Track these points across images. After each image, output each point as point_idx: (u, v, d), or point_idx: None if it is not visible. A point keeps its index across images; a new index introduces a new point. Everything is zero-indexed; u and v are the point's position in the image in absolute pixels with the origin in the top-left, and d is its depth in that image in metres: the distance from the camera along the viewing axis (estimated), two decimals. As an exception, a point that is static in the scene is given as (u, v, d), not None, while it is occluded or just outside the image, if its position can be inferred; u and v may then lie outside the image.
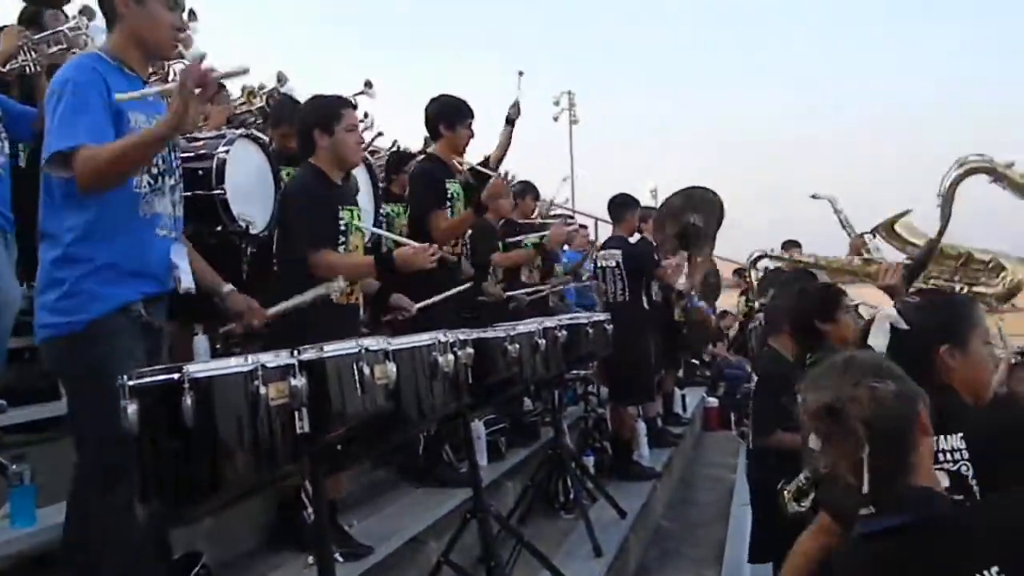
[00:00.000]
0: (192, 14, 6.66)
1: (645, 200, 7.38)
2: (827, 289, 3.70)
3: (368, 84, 8.13)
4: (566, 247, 8.63)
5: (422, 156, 5.36)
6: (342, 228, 3.66)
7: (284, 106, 5.17)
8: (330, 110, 3.73)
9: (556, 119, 32.23)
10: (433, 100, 4.96)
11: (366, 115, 9.11)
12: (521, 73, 6.52)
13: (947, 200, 2.82)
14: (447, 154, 4.78)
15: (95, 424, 2.39)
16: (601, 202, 6.99)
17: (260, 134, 4.97)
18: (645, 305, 6.54)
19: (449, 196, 4.68)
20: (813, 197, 4.80)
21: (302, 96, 6.90)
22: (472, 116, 4.94)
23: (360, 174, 5.68)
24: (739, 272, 12.90)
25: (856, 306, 3.58)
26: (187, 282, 2.67)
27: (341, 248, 3.67)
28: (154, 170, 2.72)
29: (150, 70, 5.24)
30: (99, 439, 2.36)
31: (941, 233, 2.96)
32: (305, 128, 3.75)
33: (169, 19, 2.71)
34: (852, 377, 1.71)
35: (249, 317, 3.06)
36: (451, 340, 3.04)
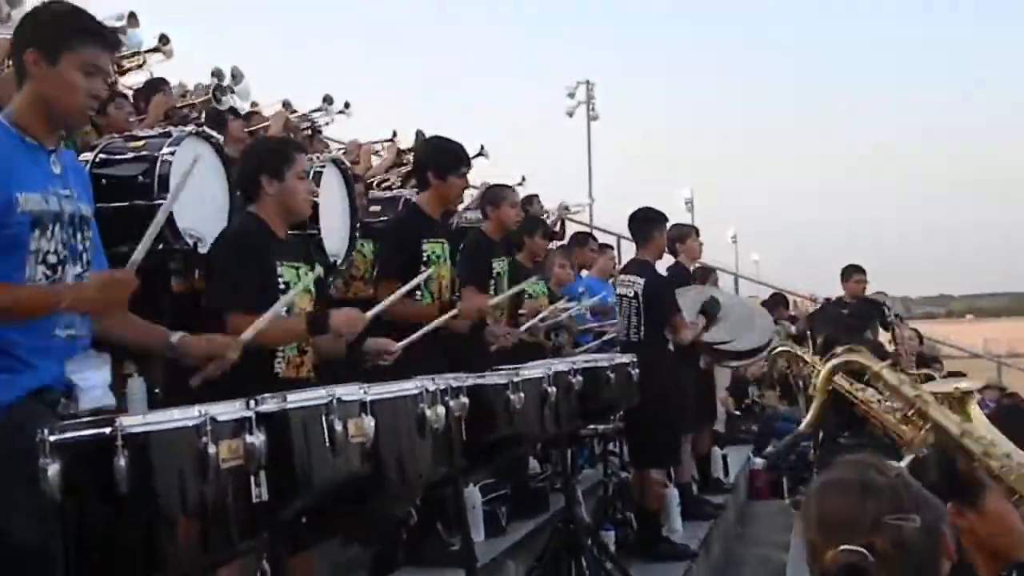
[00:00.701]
0: (164, 38, 6.83)
1: (677, 214, 7.44)
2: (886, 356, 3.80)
3: (482, 148, 9.21)
4: (584, 272, 8.69)
5: (403, 200, 5.51)
6: (281, 288, 3.71)
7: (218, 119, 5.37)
8: (281, 153, 3.86)
9: (571, 114, 32.54)
10: (424, 142, 5.10)
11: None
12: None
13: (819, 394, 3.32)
14: (433, 206, 4.88)
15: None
16: (624, 214, 7.04)
17: (213, 132, 5.08)
18: (669, 347, 6.55)
19: (427, 259, 4.75)
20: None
21: (263, 103, 6.99)
22: (469, 165, 5.05)
23: (334, 186, 5.78)
24: (779, 299, 12.96)
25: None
26: (91, 401, 2.65)
27: (284, 312, 3.69)
28: (52, 258, 2.71)
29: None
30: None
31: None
32: (250, 171, 3.84)
33: (85, 86, 2.74)
34: (872, 510, 1.79)
35: (218, 351, 3.11)
36: (441, 388, 3.05)
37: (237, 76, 7.45)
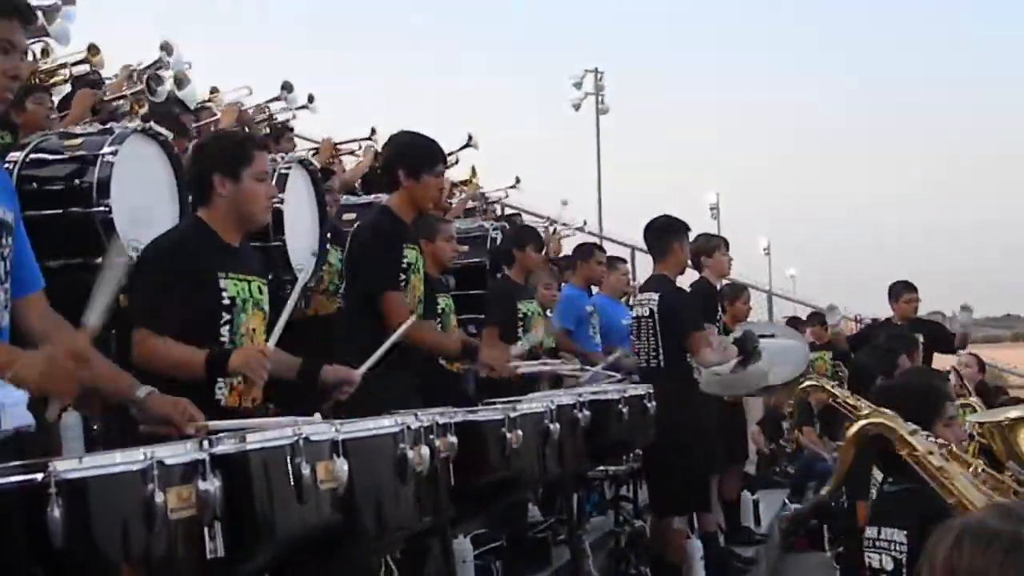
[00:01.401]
0: (93, 48, 6.85)
1: (701, 222, 7.44)
2: (931, 391, 3.86)
3: (470, 139, 9.67)
4: (594, 289, 8.72)
5: (378, 206, 5.59)
6: (225, 303, 3.72)
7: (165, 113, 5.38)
8: (238, 150, 3.86)
9: (577, 107, 32.70)
10: (392, 139, 5.20)
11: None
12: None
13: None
14: (405, 209, 4.97)
15: None
16: (638, 222, 7.10)
17: (160, 128, 5.09)
18: (695, 375, 6.56)
19: (406, 265, 4.83)
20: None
21: (199, 85, 7.02)
22: (444, 161, 5.15)
23: (301, 190, 5.80)
24: (818, 318, 12.95)
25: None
26: (16, 419, 2.64)
27: (225, 330, 3.73)
28: None
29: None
30: None
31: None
32: (201, 170, 3.85)
33: None
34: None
35: (179, 421, 3.12)
36: (425, 425, 3.06)
37: (167, 49, 7.32)
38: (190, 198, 4.47)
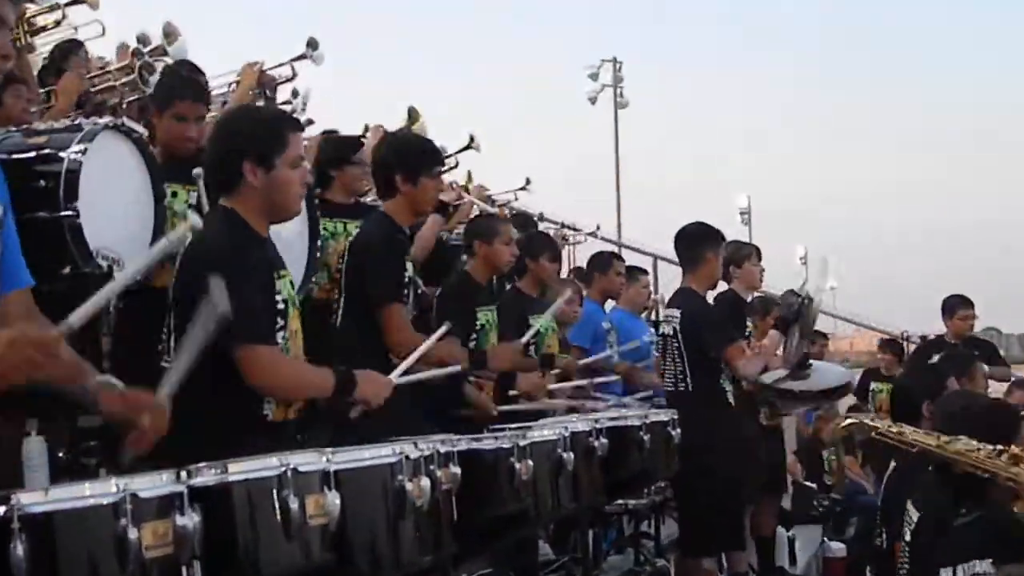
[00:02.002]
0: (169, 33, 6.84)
1: (730, 229, 7.46)
2: (1006, 414, 3.88)
3: (472, 140, 9.44)
4: (610, 303, 8.72)
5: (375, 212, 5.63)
6: (280, 306, 3.77)
7: (176, 83, 5.29)
8: (271, 134, 3.82)
9: (594, 100, 32.75)
10: (386, 140, 5.33)
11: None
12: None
13: None
14: (404, 216, 5.08)
15: None
16: (660, 228, 7.10)
17: (135, 125, 5.10)
18: (728, 398, 6.56)
19: (406, 280, 4.95)
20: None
21: (208, 69, 7.00)
22: (442, 162, 5.36)
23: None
24: (893, 345, 12.91)
25: None
26: None
27: (280, 336, 3.75)
28: None
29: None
30: None
31: None
32: (229, 155, 3.83)
33: None
34: None
35: (130, 416, 3.05)
36: (426, 455, 3.08)
37: (171, 35, 7.24)
38: (207, 182, 4.44)
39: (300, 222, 5.79)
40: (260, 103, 7.68)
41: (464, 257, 6.45)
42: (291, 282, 3.94)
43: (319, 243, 5.87)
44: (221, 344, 3.45)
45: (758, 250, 8.17)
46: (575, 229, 12.19)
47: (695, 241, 6.73)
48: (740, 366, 6.40)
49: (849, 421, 5.05)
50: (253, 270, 3.68)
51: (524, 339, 5.79)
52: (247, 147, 3.77)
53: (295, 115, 6.62)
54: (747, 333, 7.66)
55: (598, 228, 13.40)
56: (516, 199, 11.61)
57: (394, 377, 4.19)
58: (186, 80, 5.34)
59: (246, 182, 3.75)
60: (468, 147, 10.02)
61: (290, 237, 5.65)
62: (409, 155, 5.08)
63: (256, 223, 3.80)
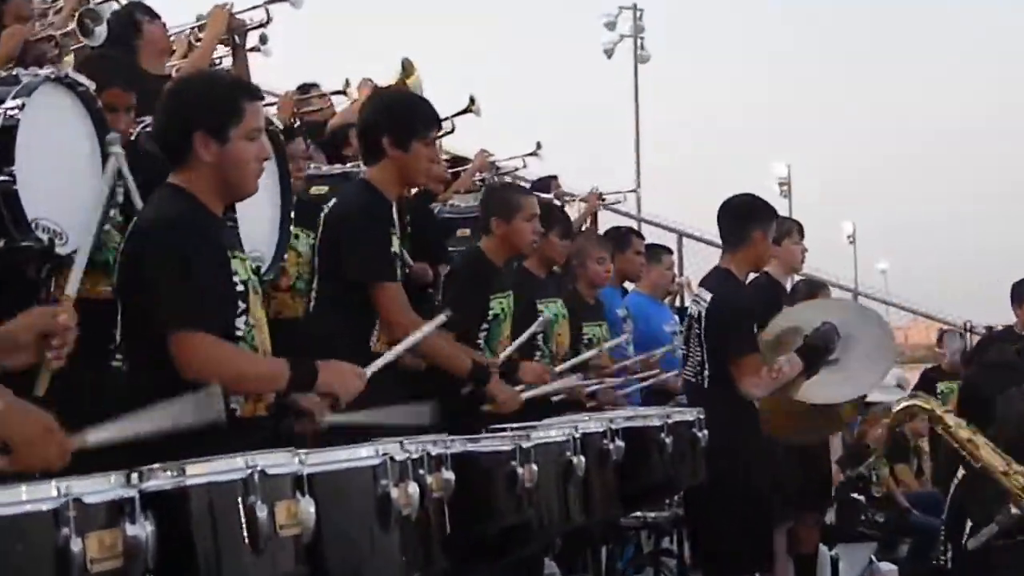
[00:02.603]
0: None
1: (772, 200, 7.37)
2: None
3: (472, 102, 9.49)
4: (629, 286, 8.72)
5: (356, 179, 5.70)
6: (239, 289, 3.80)
7: (105, 67, 5.33)
8: (224, 103, 3.87)
9: (610, 53, 32.71)
10: (373, 100, 5.36)
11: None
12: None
13: None
14: (390, 184, 5.09)
15: None
16: (686, 200, 7.07)
17: (80, 77, 5.10)
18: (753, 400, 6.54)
19: (393, 253, 4.96)
20: None
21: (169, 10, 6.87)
22: (438, 125, 5.34)
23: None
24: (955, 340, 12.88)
25: None
26: None
27: (241, 322, 3.79)
28: None
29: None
30: None
31: None
32: (179, 125, 3.87)
33: None
34: None
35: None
36: (414, 457, 3.08)
37: None
38: (159, 150, 4.45)
39: (270, 195, 5.82)
40: (222, 57, 7.73)
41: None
42: (253, 266, 3.97)
43: (291, 220, 5.90)
44: (155, 329, 3.60)
45: (799, 226, 8.16)
46: (612, 195, 12.08)
47: (742, 216, 6.65)
48: (746, 383, 6.36)
49: (908, 404, 4.98)
50: (199, 249, 3.72)
51: (506, 353, 5.77)
52: (198, 117, 3.82)
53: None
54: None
55: (624, 199, 13.30)
56: (525, 165, 11.58)
57: (370, 370, 4.19)
58: (115, 63, 5.37)
59: (197, 156, 3.80)
60: (467, 110, 10.01)
61: (258, 214, 5.69)
62: (400, 115, 5.06)
63: (209, 201, 3.85)
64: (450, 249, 7.71)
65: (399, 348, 4.42)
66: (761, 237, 6.56)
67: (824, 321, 6.62)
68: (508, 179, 11.25)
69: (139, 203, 4.63)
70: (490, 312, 6.03)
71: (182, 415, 2.87)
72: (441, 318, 4.72)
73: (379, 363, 4.32)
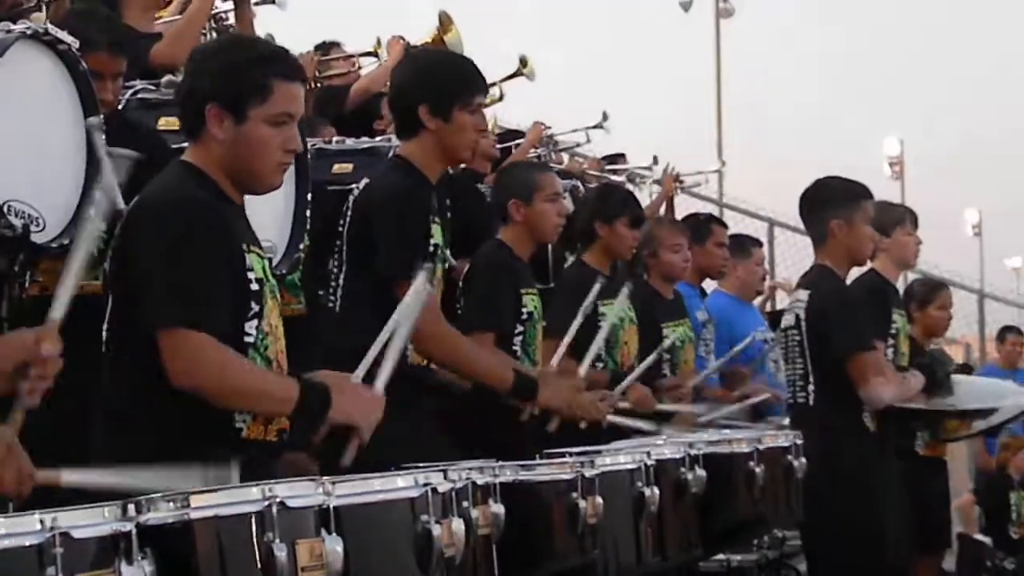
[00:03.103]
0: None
1: (877, 185, 7.35)
2: None
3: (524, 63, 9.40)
4: (711, 285, 8.70)
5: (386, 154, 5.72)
6: (254, 288, 3.80)
7: (87, 27, 5.35)
8: (247, 74, 3.87)
9: (687, 6, 32.63)
10: (408, 63, 5.45)
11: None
12: None
13: None
14: (430, 161, 5.09)
15: None
16: (778, 183, 7.03)
17: (61, 33, 5.12)
18: (866, 416, 6.51)
19: (432, 248, 4.94)
20: None
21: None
22: (484, 90, 5.33)
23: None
24: None
25: None
26: None
27: (252, 327, 3.80)
28: None
29: None
30: None
31: None
32: (194, 93, 3.91)
33: None
34: None
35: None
36: (459, 487, 3.09)
37: None
38: (178, 130, 4.43)
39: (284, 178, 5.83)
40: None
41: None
42: (267, 263, 3.97)
43: (308, 203, 5.90)
44: (143, 323, 3.62)
45: (912, 214, 8.08)
46: (692, 176, 12.09)
47: (814, 204, 6.71)
48: (870, 385, 6.32)
49: None
50: (207, 233, 3.73)
51: (625, 384, 5.82)
52: (213, 87, 3.85)
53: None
54: (894, 330, 7.55)
55: (705, 180, 13.24)
56: (588, 140, 11.58)
57: (359, 377, 4.09)
58: (99, 20, 5.38)
59: (210, 133, 3.83)
60: (519, 73, 10.03)
61: (267, 196, 5.68)
62: (439, 78, 5.08)
63: (224, 184, 3.88)
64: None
65: (394, 345, 4.15)
66: (840, 227, 6.54)
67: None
68: (567, 156, 11.29)
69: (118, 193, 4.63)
70: (523, 311, 6.03)
71: (180, 480, 2.89)
72: (421, 278, 4.37)
73: (384, 374, 4.12)
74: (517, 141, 10.04)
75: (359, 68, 9.14)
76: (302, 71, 4.31)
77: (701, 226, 8.74)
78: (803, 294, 6.55)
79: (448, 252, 5.44)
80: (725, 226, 9.33)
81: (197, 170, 3.87)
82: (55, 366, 3.08)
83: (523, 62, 10.06)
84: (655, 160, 11.48)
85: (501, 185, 6.50)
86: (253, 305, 3.79)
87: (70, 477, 2.89)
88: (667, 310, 7.50)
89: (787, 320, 6.62)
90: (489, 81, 6.34)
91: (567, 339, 5.89)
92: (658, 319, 7.30)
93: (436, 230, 4.97)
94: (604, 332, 6.06)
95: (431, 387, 4.92)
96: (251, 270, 3.80)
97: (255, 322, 3.80)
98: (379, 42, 9.06)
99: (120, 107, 5.28)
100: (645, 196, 10.91)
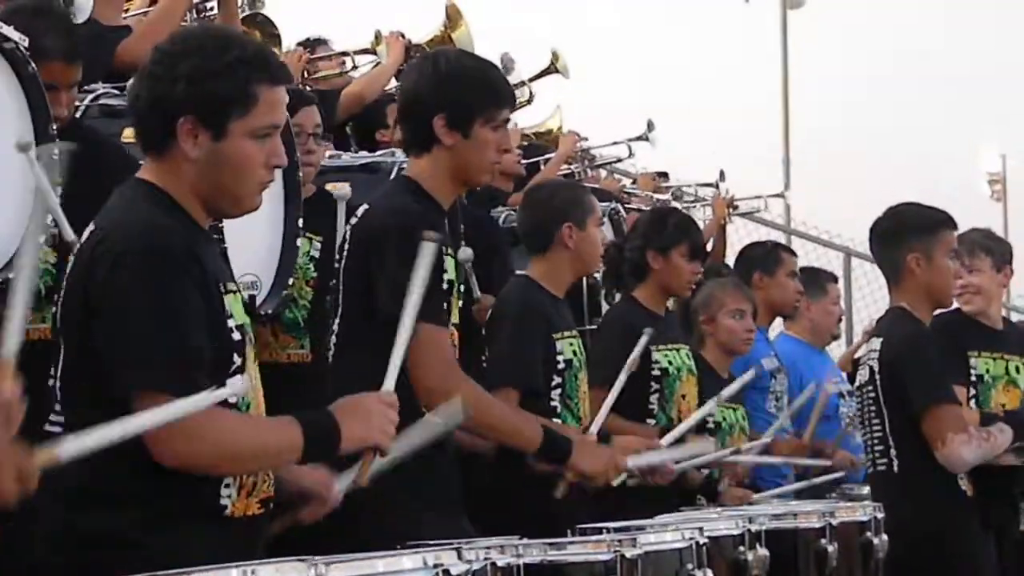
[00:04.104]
0: None
1: (972, 206, 7.32)
2: None
3: (555, 59, 9.54)
4: (775, 327, 8.70)
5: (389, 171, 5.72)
6: (235, 338, 3.82)
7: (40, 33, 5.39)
8: (229, 82, 3.86)
9: (748, -1, 32.73)
10: (420, 67, 5.33)
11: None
12: None
13: None
14: (443, 182, 5.11)
15: None
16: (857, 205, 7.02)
17: (9, 30, 5.16)
18: (960, 483, 6.52)
19: (446, 285, 4.95)
20: None
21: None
22: (511, 101, 5.39)
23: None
24: None
25: None
26: None
27: (237, 374, 3.78)
28: None
29: None
30: None
31: None
32: (162, 106, 3.86)
33: None
34: None
35: None
36: (476, 568, 3.12)
37: None
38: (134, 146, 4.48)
39: (268, 195, 5.83)
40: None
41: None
42: (244, 303, 3.99)
43: (299, 231, 5.91)
44: (115, 386, 3.59)
45: (1006, 248, 8.02)
46: (749, 200, 12.10)
47: (886, 236, 6.74)
48: (951, 444, 6.33)
49: None
50: (182, 275, 3.72)
51: (674, 435, 5.89)
52: (186, 97, 3.82)
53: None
54: (976, 375, 7.46)
55: (765, 205, 13.23)
56: (631, 154, 11.59)
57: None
58: (57, 22, 5.41)
59: (179, 149, 3.82)
60: (549, 70, 10.07)
61: (251, 222, 5.69)
62: (461, 87, 5.07)
63: (191, 208, 3.87)
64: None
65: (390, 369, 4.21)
66: (918, 261, 6.55)
67: None
68: (605, 172, 11.30)
69: (64, 222, 4.65)
70: (559, 358, 6.08)
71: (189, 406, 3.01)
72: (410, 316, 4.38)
73: (391, 372, 4.18)
74: (546, 156, 10.06)
75: (354, 68, 9.17)
76: (288, 73, 4.32)
77: (768, 254, 8.75)
78: (876, 343, 6.55)
79: (474, 283, 5.44)
80: (794, 255, 9.32)
81: (162, 193, 3.85)
82: (19, 411, 3.04)
83: (555, 57, 10.09)
84: (722, 175, 11.47)
85: (549, 207, 6.43)
86: (236, 358, 3.79)
87: (70, 448, 2.96)
88: (719, 388, 7.40)
89: (861, 375, 6.61)
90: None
91: (612, 395, 5.91)
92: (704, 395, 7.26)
93: (449, 263, 4.95)
94: (697, 416, 6.17)
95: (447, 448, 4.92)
96: (231, 316, 3.81)
97: (238, 364, 3.80)
98: (378, 37, 9.07)
99: (77, 115, 5.31)
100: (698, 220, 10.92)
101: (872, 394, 6.47)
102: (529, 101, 9.90)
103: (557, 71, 9.92)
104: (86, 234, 3.85)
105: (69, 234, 4.57)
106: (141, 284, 3.63)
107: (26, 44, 5.05)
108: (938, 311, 6.90)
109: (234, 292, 3.90)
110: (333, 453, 3.81)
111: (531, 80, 9.58)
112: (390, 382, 4.10)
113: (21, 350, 4.25)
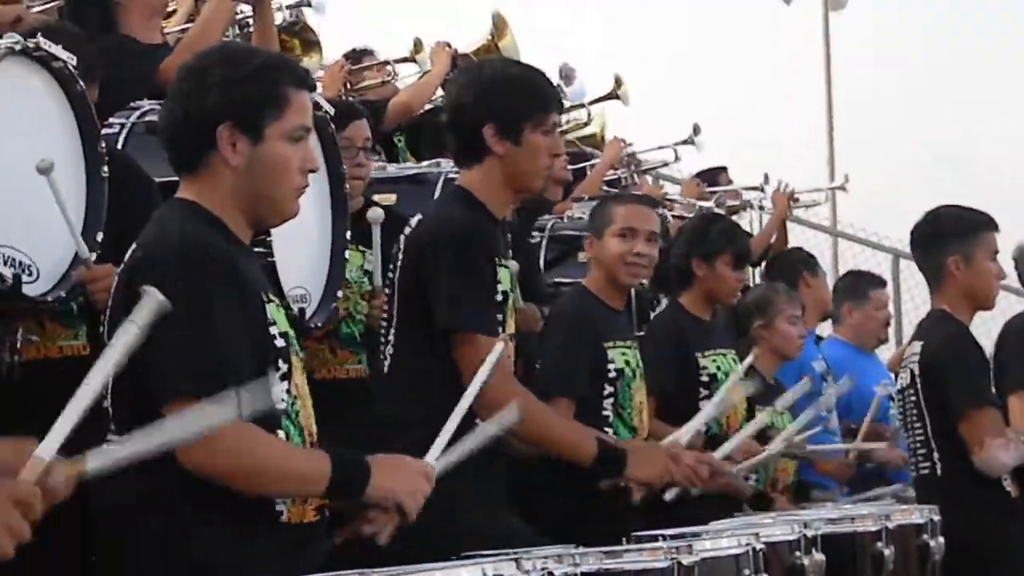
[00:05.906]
0: None
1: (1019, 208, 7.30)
2: None
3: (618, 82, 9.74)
4: (824, 329, 8.68)
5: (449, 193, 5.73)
6: (279, 344, 3.85)
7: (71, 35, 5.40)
8: (263, 87, 3.91)
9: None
10: (468, 76, 5.37)
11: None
12: None
13: None
14: (495, 192, 5.12)
15: None
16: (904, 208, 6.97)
17: (54, 48, 5.16)
18: (1006, 484, 6.51)
19: (501, 296, 4.98)
20: None
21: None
22: (559, 106, 5.43)
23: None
24: None
25: None
26: None
27: (282, 390, 3.84)
28: None
29: None
30: None
31: None
32: (199, 113, 3.91)
33: None
34: None
35: None
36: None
37: None
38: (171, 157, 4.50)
39: (316, 208, 5.84)
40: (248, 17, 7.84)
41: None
42: (289, 315, 4.02)
43: (347, 242, 5.91)
44: (152, 396, 3.66)
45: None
46: (804, 195, 12.04)
47: (927, 239, 6.76)
48: (988, 448, 6.33)
49: None
50: (225, 289, 3.76)
51: (686, 433, 5.85)
52: (223, 105, 3.86)
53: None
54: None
55: (814, 202, 13.15)
56: (677, 158, 11.54)
57: (433, 459, 4.14)
58: (70, 50, 5.42)
59: (223, 158, 3.86)
60: (612, 95, 10.05)
61: (299, 235, 5.70)
62: (509, 94, 5.09)
63: (234, 223, 3.92)
64: (567, 281, 7.67)
65: (454, 416, 4.24)
66: (957, 264, 6.56)
67: None
68: (650, 178, 11.28)
69: (80, 239, 4.66)
70: (610, 368, 6.08)
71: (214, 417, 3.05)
72: (499, 349, 4.54)
73: (438, 447, 4.19)
74: (592, 161, 10.05)
75: (395, 77, 9.18)
76: (312, 80, 4.34)
77: (810, 258, 8.74)
78: (917, 346, 6.54)
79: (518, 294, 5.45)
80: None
81: (201, 209, 3.89)
82: (38, 508, 2.85)
83: (618, 82, 10.07)
84: (766, 179, 11.44)
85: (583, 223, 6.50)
86: (281, 364, 3.83)
87: (95, 463, 2.96)
88: (766, 395, 7.42)
89: (903, 379, 6.60)
90: (577, 102, 6.38)
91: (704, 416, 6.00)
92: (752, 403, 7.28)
93: (504, 274, 4.98)
94: (712, 408, 6.11)
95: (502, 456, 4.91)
96: (273, 323, 3.84)
97: (284, 384, 3.84)
98: (416, 45, 9.07)
99: (126, 131, 5.32)
100: (744, 222, 10.89)
101: (913, 398, 6.50)
102: (587, 123, 9.90)
103: (618, 97, 9.90)
104: (128, 254, 3.90)
105: (84, 251, 4.58)
106: (178, 294, 3.56)
107: (74, 63, 5.06)
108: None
109: (276, 303, 3.93)
110: (358, 494, 3.81)
111: (591, 103, 9.57)
112: (435, 452, 4.13)
113: (52, 367, 4.32)
